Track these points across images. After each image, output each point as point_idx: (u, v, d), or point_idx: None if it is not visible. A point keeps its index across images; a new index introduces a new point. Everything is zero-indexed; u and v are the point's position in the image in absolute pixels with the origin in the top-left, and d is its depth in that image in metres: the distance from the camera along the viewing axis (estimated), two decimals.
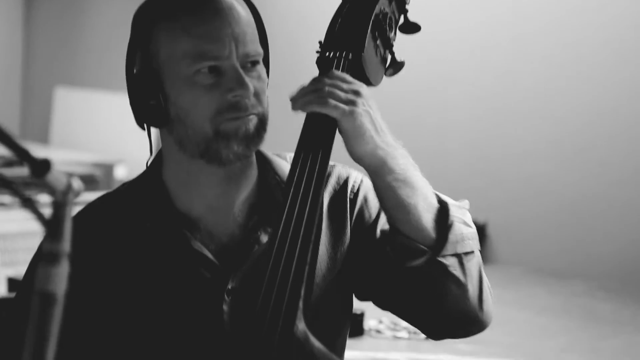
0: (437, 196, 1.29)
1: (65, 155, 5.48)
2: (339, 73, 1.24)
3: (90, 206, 1.34)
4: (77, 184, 0.81)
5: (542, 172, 4.01)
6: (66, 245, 0.80)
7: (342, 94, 1.21)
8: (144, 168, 1.34)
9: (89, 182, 4.94)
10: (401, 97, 4.42)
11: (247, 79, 1.24)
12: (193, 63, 1.23)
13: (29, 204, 0.80)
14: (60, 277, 0.79)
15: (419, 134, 4.45)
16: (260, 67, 1.27)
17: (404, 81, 4.68)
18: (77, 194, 0.82)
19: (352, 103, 1.21)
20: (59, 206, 0.80)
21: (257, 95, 1.25)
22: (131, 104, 1.28)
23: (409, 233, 1.25)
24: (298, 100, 1.22)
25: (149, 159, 1.35)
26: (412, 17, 1.41)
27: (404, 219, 1.24)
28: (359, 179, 1.38)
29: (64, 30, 6.76)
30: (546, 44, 4.04)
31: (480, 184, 4.21)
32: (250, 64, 1.25)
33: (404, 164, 1.25)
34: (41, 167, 0.79)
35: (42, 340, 0.78)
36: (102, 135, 5.93)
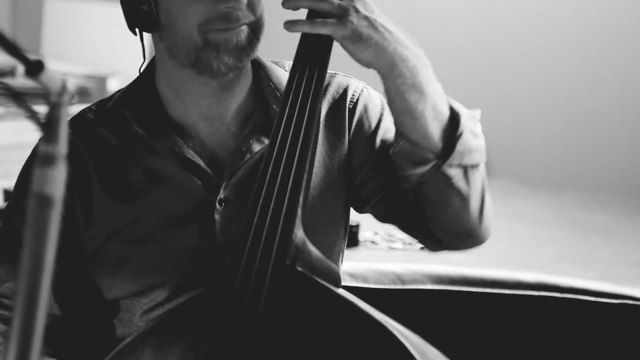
0: (449, 103, 1.28)
1: (57, 68, 5.42)
2: None
3: (84, 112, 1.33)
4: (71, 84, 0.80)
5: (536, 84, 4.00)
6: (62, 147, 0.79)
7: (329, 4, 1.18)
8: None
9: (82, 94, 4.90)
10: (400, 11, 4.36)
11: None
12: None
13: (23, 104, 0.79)
14: (58, 179, 0.78)
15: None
16: None
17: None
18: (72, 95, 0.81)
19: (342, 12, 1.18)
20: (54, 107, 0.80)
21: (250, 4, 1.23)
22: (123, 7, 1.27)
23: (414, 139, 1.24)
24: (290, 20, 1.20)
25: (142, 65, 1.34)
26: None
27: (410, 124, 1.23)
28: (359, 88, 1.37)
29: None
30: None
31: (474, 96, 4.20)
32: None
33: (415, 66, 1.23)
34: (35, 67, 0.78)
35: (41, 243, 0.78)
36: (94, 47, 5.86)
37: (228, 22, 1.22)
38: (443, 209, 1.26)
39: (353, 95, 1.35)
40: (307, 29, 1.18)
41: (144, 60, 1.31)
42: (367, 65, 1.21)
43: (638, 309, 1.93)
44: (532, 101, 4.03)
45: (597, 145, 3.81)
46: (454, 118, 1.25)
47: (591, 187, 3.63)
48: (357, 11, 1.18)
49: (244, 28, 1.23)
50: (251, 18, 1.24)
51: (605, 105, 3.79)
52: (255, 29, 1.25)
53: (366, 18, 1.19)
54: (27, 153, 1.25)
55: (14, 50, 0.78)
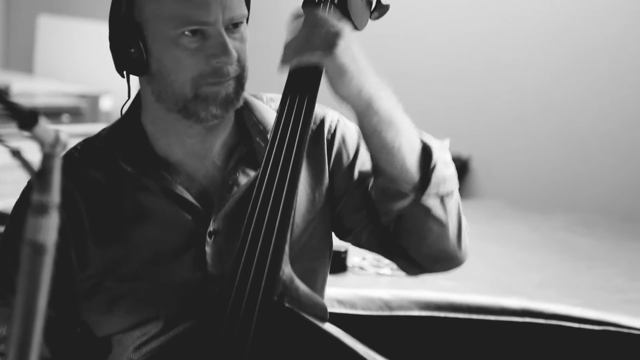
0: (420, 136, 1.31)
1: (49, 86, 5.44)
2: (321, 15, 1.25)
3: (71, 152, 1.35)
4: (64, 136, 0.83)
5: (526, 106, 4.02)
6: (55, 196, 0.82)
7: (319, 38, 1.22)
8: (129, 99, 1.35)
9: (75, 114, 4.93)
10: (387, 33, 4.40)
11: (231, 45, 1.25)
12: (179, 26, 1.24)
13: (18, 156, 0.82)
14: (51, 228, 0.81)
15: (403, 67, 4.45)
16: (243, 27, 1.28)
17: (390, 20, 4.57)
18: (65, 146, 0.84)
19: (331, 44, 1.22)
20: (48, 158, 0.83)
21: (238, 58, 1.26)
22: (111, 49, 1.29)
23: (392, 175, 1.27)
24: (281, 59, 1.23)
25: (123, 105, 1.36)
26: None
27: (388, 160, 1.27)
28: (336, 118, 1.40)
29: None
30: None
31: (464, 118, 4.23)
32: (233, 25, 1.26)
33: (389, 104, 1.27)
34: (29, 120, 0.81)
35: (34, 289, 0.81)
36: (87, 66, 5.88)
37: (220, 76, 1.25)
38: (423, 237, 1.29)
39: (330, 126, 1.38)
40: (297, 61, 1.22)
41: (128, 99, 1.33)
42: (344, 99, 1.25)
43: (620, 335, 1.96)
44: (522, 123, 4.05)
45: (586, 167, 3.83)
46: (426, 150, 1.29)
47: (580, 210, 3.66)
48: (344, 44, 1.22)
49: (232, 81, 1.27)
50: (239, 72, 1.27)
51: (594, 129, 3.81)
52: (241, 79, 1.29)
53: (351, 52, 1.23)
54: (20, 174, 1.26)
55: (7, 103, 0.81)
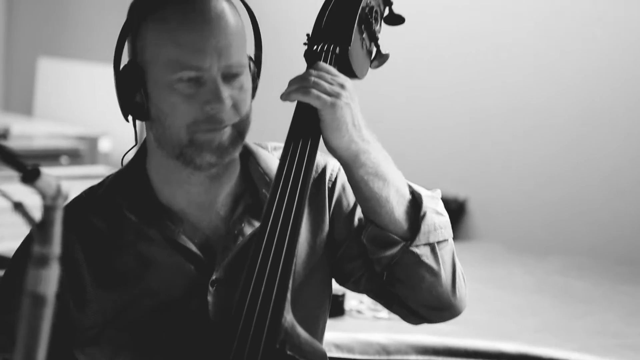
0: (410, 187, 1.33)
1: (49, 128, 5.47)
2: (325, 65, 1.27)
3: (76, 200, 1.36)
4: (65, 188, 0.85)
5: (523, 149, 4.04)
6: (56, 248, 0.83)
7: (326, 85, 1.24)
8: (128, 142, 1.35)
9: (74, 155, 4.94)
10: (384, 76, 4.43)
11: (225, 93, 1.25)
12: (174, 71, 1.25)
13: (20, 209, 0.83)
14: (51, 279, 0.82)
15: (401, 110, 4.48)
16: (244, 77, 1.29)
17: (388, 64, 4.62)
18: (66, 197, 0.85)
19: (335, 95, 1.24)
20: (49, 210, 0.84)
21: (235, 106, 1.27)
22: (117, 95, 1.30)
23: (382, 224, 1.29)
24: (285, 91, 1.25)
25: (126, 152, 1.37)
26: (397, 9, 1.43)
27: (377, 211, 1.28)
28: (337, 166, 1.41)
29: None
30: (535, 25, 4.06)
31: (462, 160, 4.25)
32: (232, 75, 1.27)
33: (376, 157, 1.28)
34: (31, 174, 0.82)
35: (34, 339, 0.82)
36: (86, 108, 5.92)
37: (213, 123, 1.25)
38: (416, 285, 1.30)
39: (331, 174, 1.40)
40: (301, 97, 1.23)
41: (135, 144, 1.34)
42: (333, 150, 1.26)
43: None
44: (518, 167, 4.07)
45: (581, 210, 3.84)
46: (416, 200, 1.31)
47: (575, 253, 3.67)
48: (345, 98, 1.24)
49: (228, 129, 1.27)
50: (235, 119, 1.27)
51: (590, 172, 3.83)
52: (240, 128, 1.29)
53: (350, 106, 1.24)
54: (16, 217, 1.26)
55: (10, 159, 0.82)
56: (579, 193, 3.86)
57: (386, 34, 1.44)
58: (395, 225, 1.29)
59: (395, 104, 4.47)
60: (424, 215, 1.30)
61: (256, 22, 1.34)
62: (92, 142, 5.15)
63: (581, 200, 3.85)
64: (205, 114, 1.25)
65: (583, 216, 3.84)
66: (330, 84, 1.25)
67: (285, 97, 1.25)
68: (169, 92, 1.25)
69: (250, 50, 1.33)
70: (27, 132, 5.30)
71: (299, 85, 1.25)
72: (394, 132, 4.47)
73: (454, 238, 1.36)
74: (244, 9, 1.33)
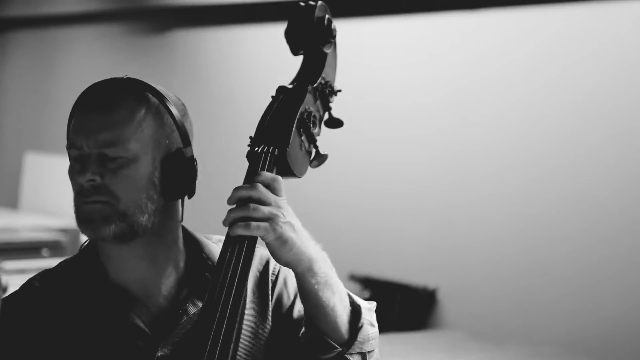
0: (350, 297, 1.44)
1: (33, 221, 5.56)
2: (263, 177, 1.34)
3: (29, 283, 1.45)
4: (4, 280, 0.94)
5: (493, 237, 4.08)
6: None
7: (264, 210, 1.30)
8: None
9: (54, 248, 5.02)
10: (356, 166, 4.54)
11: (92, 169, 1.34)
12: (68, 149, 1.40)
13: None
14: None
15: (373, 198, 4.56)
16: (128, 164, 1.36)
17: (360, 146, 4.69)
18: (5, 290, 0.95)
19: (273, 217, 1.31)
20: None
21: (107, 187, 1.34)
22: None
23: (324, 330, 1.39)
24: (227, 217, 1.32)
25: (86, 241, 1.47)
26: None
27: (322, 318, 1.38)
28: None
29: (34, 96, 6.83)
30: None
31: (432, 250, 4.31)
32: (109, 158, 1.36)
33: (325, 267, 1.38)
34: None
35: None
36: (70, 201, 5.99)
37: (81, 195, 1.34)
38: None
39: (274, 267, 1.49)
40: (242, 231, 1.30)
41: None
42: (287, 264, 1.33)
43: None
44: (486, 257, 4.12)
45: (543, 299, 3.88)
46: (355, 310, 1.41)
47: (535, 341, 3.70)
48: (283, 216, 1.31)
49: (98, 205, 1.33)
50: (105, 198, 1.33)
51: (553, 260, 3.88)
52: (117, 209, 1.33)
53: (290, 223, 1.32)
54: None
55: None
56: (541, 282, 3.89)
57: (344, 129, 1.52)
58: (336, 333, 1.37)
59: (366, 195, 4.54)
60: (362, 326, 1.40)
61: (174, 117, 1.39)
62: (74, 233, 5.24)
63: (542, 290, 3.88)
64: (78, 186, 1.34)
65: (545, 304, 3.86)
66: (268, 204, 1.30)
67: (231, 231, 1.30)
68: (70, 169, 1.37)
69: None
70: (12, 226, 5.39)
71: (239, 215, 1.30)
72: (366, 224, 4.56)
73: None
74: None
